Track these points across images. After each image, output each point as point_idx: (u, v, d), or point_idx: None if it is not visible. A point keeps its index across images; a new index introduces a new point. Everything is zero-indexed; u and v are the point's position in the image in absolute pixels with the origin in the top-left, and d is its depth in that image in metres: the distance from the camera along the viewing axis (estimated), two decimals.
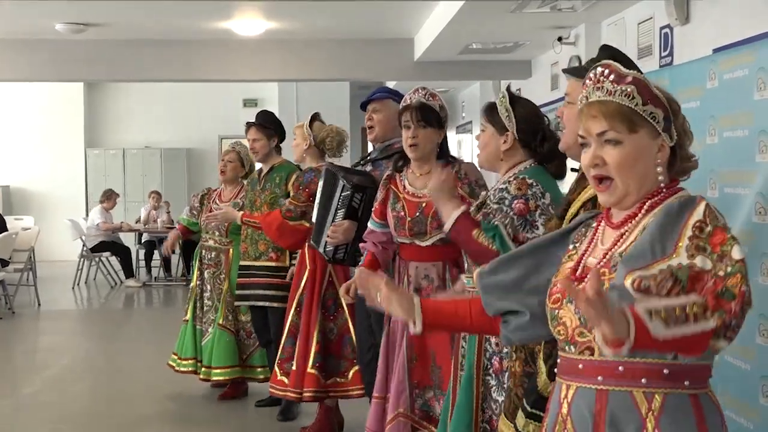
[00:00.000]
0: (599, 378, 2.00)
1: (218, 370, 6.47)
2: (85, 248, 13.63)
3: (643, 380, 1.96)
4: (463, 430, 3.29)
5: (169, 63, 11.28)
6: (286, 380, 5.41)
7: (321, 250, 4.92)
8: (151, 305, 12.39)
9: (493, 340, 3.23)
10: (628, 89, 2.02)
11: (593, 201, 2.58)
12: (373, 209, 4.35)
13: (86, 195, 17.29)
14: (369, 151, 5.18)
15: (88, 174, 17.43)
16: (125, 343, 9.24)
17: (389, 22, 10.12)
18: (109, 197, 14.07)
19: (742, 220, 4.76)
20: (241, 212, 6.02)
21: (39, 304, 11.50)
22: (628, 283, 1.90)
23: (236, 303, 6.30)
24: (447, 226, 3.26)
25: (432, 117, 4.11)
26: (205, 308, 6.62)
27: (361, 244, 4.46)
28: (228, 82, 14.00)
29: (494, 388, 3.28)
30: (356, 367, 5.30)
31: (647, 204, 2.06)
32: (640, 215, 2.06)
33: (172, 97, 17.12)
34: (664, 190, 2.07)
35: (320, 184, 4.96)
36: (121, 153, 17.53)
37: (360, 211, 4.69)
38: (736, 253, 1.88)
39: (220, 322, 6.47)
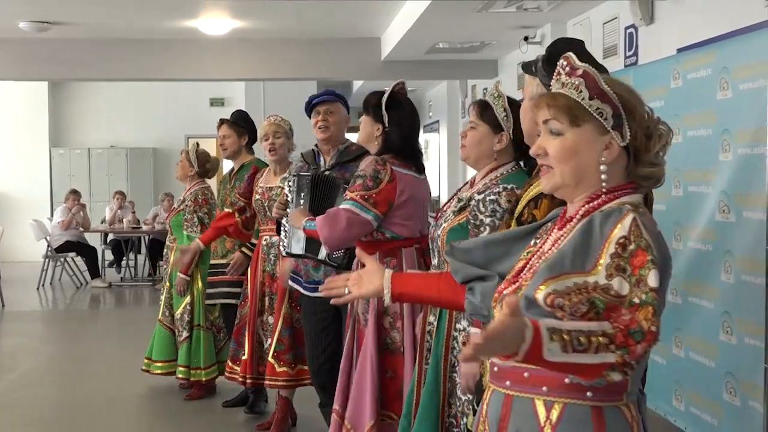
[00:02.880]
0: (507, 383, 2.00)
1: (157, 364, 6.64)
2: (49, 248, 13.51)
3: (544, 388, 1.93)
4: (428, 426, 3.29)
5: (135, 62, 11.21)
6: (289, 371, 5.42)
7: (282, 247, 4.85)
8: (117, 306, 12.28)
9: (460, 339, 3.23)
10: (576, 82, 2.00)
11: (539, 198, 2.61)
12: None
13: (51, 195, 17.12)
14: (313, 156, 5.05)
15: (52, 174, 17.26)
16: (91, 344, 9.17)
17: (356, 21, 10.12)
18: (67, 197, 13.92)
19: (706, 219, 4.81)
20: (198, 237, 6.18)
21: (3, 305, 11.38)
22: (540, 296, 1.86)
23: (207, 302, 6.34)
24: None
25: (370, 106, 4.13)
26: (161, 304, 6.74)
27: None
28: (194, 81, 13.94)
29: (460, 385, 3.29)
30: None
31: (583, 209, 2.01)
32: (575, 219, 2.02)
33: (138, 96, 16.99)
34: (603, 194, 2.00)
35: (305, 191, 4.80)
36: (87, 152, 17.38)
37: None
38: (652, 280, 1.82)
39: (159, 317, 6.63)
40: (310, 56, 11.26)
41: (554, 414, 1.91)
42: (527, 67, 2.85)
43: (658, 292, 1.81)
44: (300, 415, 5.76)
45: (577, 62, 2.02)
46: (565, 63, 2.04)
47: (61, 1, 8.97)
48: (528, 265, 2.05)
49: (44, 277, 13.45)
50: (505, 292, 2.05)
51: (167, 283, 6.62)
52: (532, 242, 2.16)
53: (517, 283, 2.02)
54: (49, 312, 12.00)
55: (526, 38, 9.30)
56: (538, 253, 2.06)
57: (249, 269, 5.77)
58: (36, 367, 8.11)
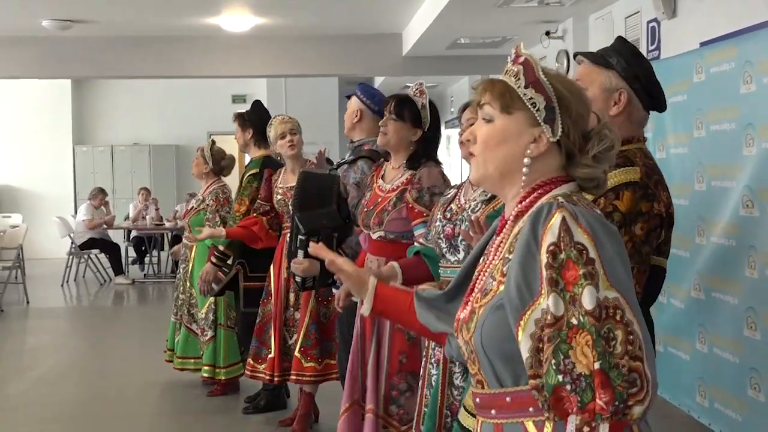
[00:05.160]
0: (492, 411, 1.88)
1: (191, 360, 6.71)
2: (73, 245, 13.60)
3: (530, 409, 1.80)
4: (428, 422, 3.30)
5: (157, 59, 11.27)
6: (317, 366, 5.45)
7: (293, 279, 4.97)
8: (140, 302, 12.36)
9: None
10: (516, 69, 1.91)
11: (620, 189, 2.60)
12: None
13: (75, 192, 17.23)
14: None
15: (76, 171, 17.36)
16: (114, 341, 9.22)
17: (377, 17, 10.12)
18: (95, 196, 14.02)
19: (730, 213, 4.77)
20: (225, 229, 6.03)
21: (28, 302, 11.47)
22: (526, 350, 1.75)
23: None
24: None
25: (406, 112, 4.03)
26: (179, 302, 6.77)
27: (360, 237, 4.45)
28: (216, 78, 13.99)
29: (457, 375, 3.29)
30: None
31: (516, 209, 1.89)
32: (509, 222, 1.91)
33: (160, 93, 17.07)
34: (536, 189, 1.88)
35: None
36: (110, 150, 17.47)
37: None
38: (586, 301, 1.68)
39: (184, 321, 6.70)
40: (331, 52, 11.28)
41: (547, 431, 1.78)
42: (592, 56, 2.81)
43: (594, 314, 1.67)
44: (322, 413, 5.77)
45: (522, 50, 1.94)
46: (513, 50, 1.95)
47: (83, 0, 9.01)
48: (477, 284, 1.94)
49: (68, 273, 13.55)
50: (461, 316, 1.95)
51: (188, 282, 6.63)
52: (482, 258, 2.01)
53: (469, 305, 1.92)
54: (73, 309, 12.08)
55: (547, 33, 9.26)
56: (488, 268, 1.93)
57: (272, 266, 5.77)
58: (59, 363, 8.16)
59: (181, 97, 17.19)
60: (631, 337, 1.67)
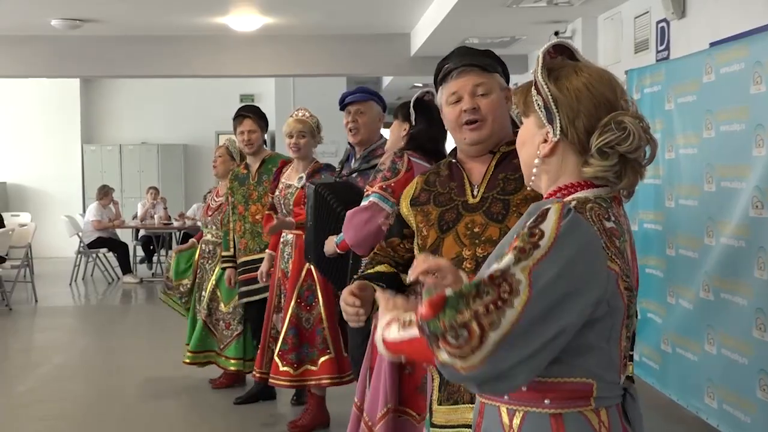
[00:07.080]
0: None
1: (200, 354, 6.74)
2: (82, 244, 13.61)
3: (505, 396, 1.85)
4: None
5: (166, 59, 11.29)
6: (291, 371, 5.42)
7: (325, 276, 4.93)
8: (147, 301, 12.36)
9: None
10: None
11: None
12: None
13: (83, 191, 17.25)
14: (347, 154, 5.15)
15: (84, 170, 17.38)
16: (122, 340, 9.23)
17: (385, 17, 10.12)
18: (106, 194, 14.05)
19: (740, 215, 4.76)
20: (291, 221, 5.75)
21: (36, 301, 11.49)
22: None
23: (241, 300, 6.27)
24: None
25: (398, 110, 4.28)
26: (202, 299, 6.76)
27: None
28: (225, 77, 14.00)
29: None
30: (326, 357, 5.38)
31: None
32: None
33: (168, 92, 17.08)
34: (562, 191, 1.89)
35: (310, 204, 4.82)
36: (118, 149, 17.49)
37: None
38: (502, 262, 1.71)
39: (203, 317, 6.71)
40: (339, 52, 11.29)
41: (516, 422, 1.85)
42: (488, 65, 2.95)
43: (493, 276, 1.68)
44: (333, 413, 5.76)
45: (540, 50, 1.95)
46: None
47: None
48: None
49: (76, 272, 13.57)
50: None
51: (212, 280, 6.62)
52: None
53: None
54: (81, 307, 12.10)
55: (556, 33, 9.25)
56: None
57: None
58: (67, 362, 8.17)
59: (190, 96, 17.20)
60: (493, 307, 1.65)
